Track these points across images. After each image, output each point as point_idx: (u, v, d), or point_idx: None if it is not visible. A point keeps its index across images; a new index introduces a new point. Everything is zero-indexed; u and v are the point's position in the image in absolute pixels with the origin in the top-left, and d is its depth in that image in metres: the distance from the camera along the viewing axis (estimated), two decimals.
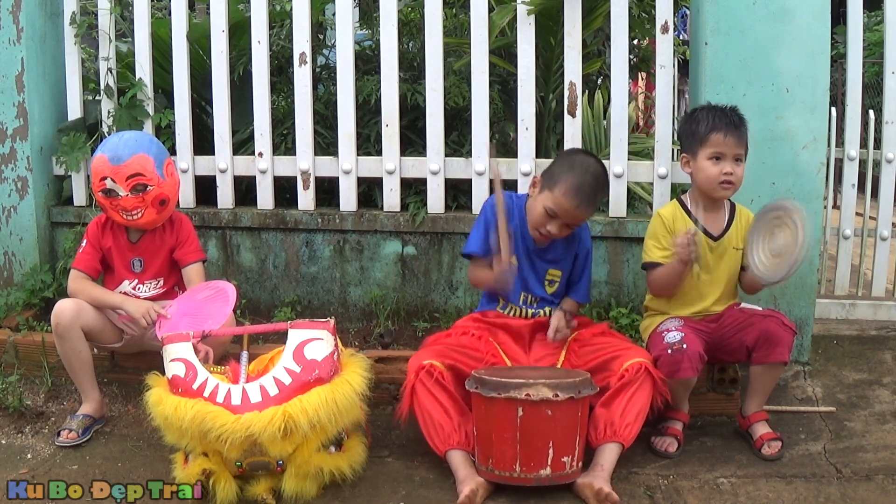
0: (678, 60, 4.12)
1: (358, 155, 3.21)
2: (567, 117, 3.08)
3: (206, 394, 2.19)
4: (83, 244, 2.73)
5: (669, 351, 2.41)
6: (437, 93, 3.11)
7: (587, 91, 3.72)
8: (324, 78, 3.63)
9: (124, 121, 3.23)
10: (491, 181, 2.80)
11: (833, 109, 3.11)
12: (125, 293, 2.70)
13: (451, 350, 2.47)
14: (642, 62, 3.88)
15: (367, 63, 3.49)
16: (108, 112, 3.28)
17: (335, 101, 3.21)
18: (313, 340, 2.25)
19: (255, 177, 3.27)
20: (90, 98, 3.50)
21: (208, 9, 3.26)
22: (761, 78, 2.80)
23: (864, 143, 3.37)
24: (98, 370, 2.74)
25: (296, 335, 2.26)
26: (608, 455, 2.33)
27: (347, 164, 3.18)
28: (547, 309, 2.62)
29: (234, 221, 3.25)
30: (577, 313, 2.69)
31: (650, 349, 2.51)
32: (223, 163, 3.26)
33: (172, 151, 3.24)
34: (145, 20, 3.24)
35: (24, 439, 2.66)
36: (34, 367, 2.91)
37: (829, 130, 3.04)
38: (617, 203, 3.08)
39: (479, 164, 3.11)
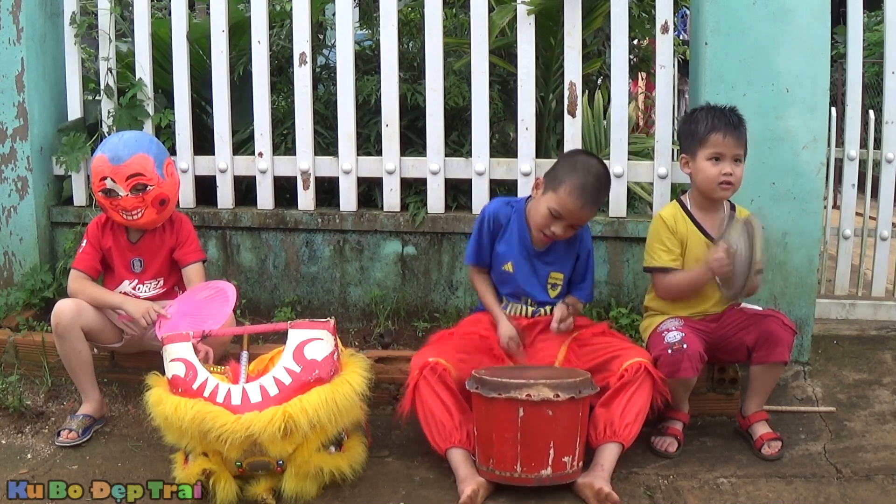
0: (678, 60, 4.12)
1: (358, 155, 3.21)
2: (567, 117, 3.08)
3: (206, 394, 2.19)
4: (83, 244, 2.73)
5: (669, 351, 2.41)
6: (437, 93, 3.11)
7: (587, 91, 3.72)
8: (324, 78, 3.63)
9: (124, 121, 3.23)
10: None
11: (833, 109, 3.11)
12: (125, 293, 2.70)
13: (454, 348, 2.48)
14: (642, 62, 3.88)
15: (367, 63, 3.49)
16: (108, 112, 3.28)
17: (335, 101, 3.21)
18: (313, 340, 2.25)
19: (255, 177, 3.27)
20: (90, 98, 3.50)
21: (208, 9, 3.26)
22: (761, 78, 2.80)
23: (864, 143, 3.37)
24: (98, 370, 2.74)
25: (296, 335, 2.26)
26: (608, 455, 2.33)
27: (347, 164, 3.18)
28: (548, 307, 2.62)
29: (234, 221, 3.25)
30: (579, 311, 2.69)
31: (650, 349, 2.51)
32: (223, 163, 3.26)
33: (172, 151, 3.24)
34: (145, 20, 3.24)
35: (24, 439, 2.66)
36: (34, 367, 2.91)
37: (829, 130, 3.04)
38: (617, 203, 3.08)
39: (479, 164, 3.11)
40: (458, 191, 3.26)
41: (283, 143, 3.38)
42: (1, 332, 3.00)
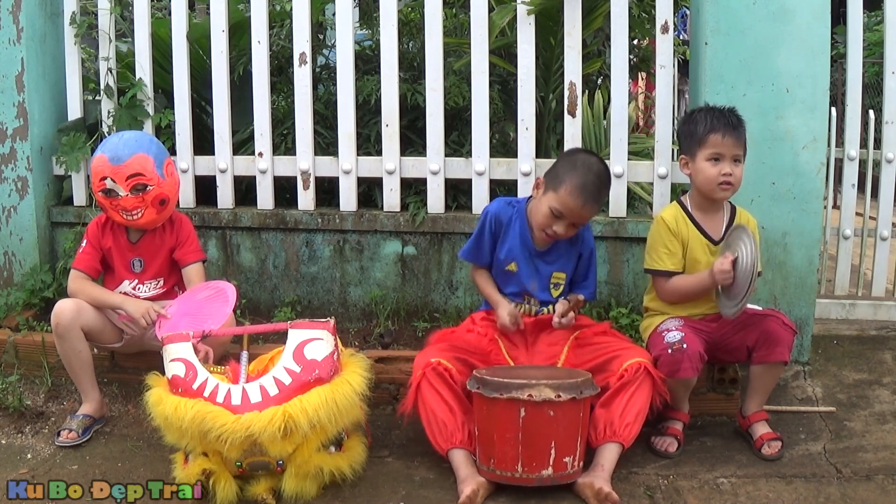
0: (678, 60, 4.12)
1: (358, 155, 3.21)
2: (567, 117, 3.08)
3: (206, 394, 2.18)
4: (83, 244, 2.73)
5: (669, 351, 2.41)
6: (437, 93, 3.11)
7: (587, 91, 3.72)
8: (324, 78, 3.63)
9: (124, 121, 3.23)
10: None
11: (833, 109, 3.11)
12: (125, 293, 2.70)
13: (457, 347, 2.48)
14: (642, 62, 3.88)
15: (367, 63, 3.49)
16: (108, 112, 3.28)
17: (335, 101, 3.21)
18: (313, 340, 2.25)
19: (255, 177, 3.27)
20: (90, 98, 3.50)
21: (208, 9, 3.26)
22: (761, 78, 2.80)
23: (864, 143, 3.37)
24: (98, 370, 2.74)
25: (296, 335, 2.26)
26: (608, 455, 2.33)
27: (347, 164, 3.18)
28: (550, 307, 2.62)
29: (234, 221, 3.25)
30: (580, 309, 2.69)
31: (650, 349, 2.51)
32: (223, 163, 3.26)
33: (172, 151, 3.24)
34: (145, 20, 3.24)
35: (24, 439, 2.66)
36: (34, 367, 2.91)
37: (829, 130, 3.04)
38: (617, 203, 3.08)
39: (479, 164, 3.11)
40: (458, 191, 3.26)
41: (283, 143, 3.38)
42: (1, 332, 3.00)
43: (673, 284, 2.58)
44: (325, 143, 3.34)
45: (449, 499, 2.27)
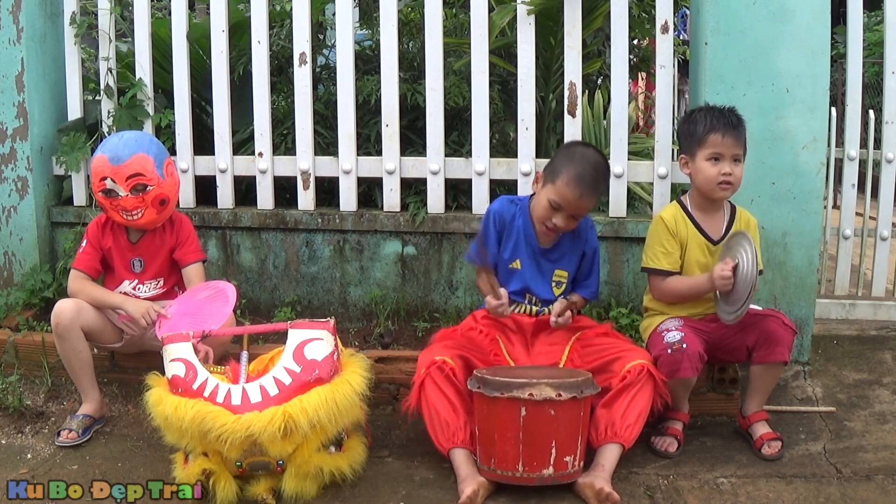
0: (678, 60, 4.12)
1: (358, 155, 3.21)
2: (567, 117, 3.08)
3: (206, 394, 2.19)
4: (83, 244, 2.73)
5: (669, 351, 2.41)
6: (437, 93, 3.11)
7: (587, 91, 3.72)
8: (324, 78, 3.63)
9: (124, 121, 3.23)
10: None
11: (833, 109, 3.11)
12: (125, 293, 2.70)
13: (460, 346, 2.48)
14: (642, 62, 3.88)
15: (367, 63, 3.49)
16: (108, 112, 3.28)
17: (335, 101, 3.21)
18: (313, 340, 2.25)
19: (255, 177, 3.27)
20: (90, 98, 3.50)
21: (208, 9, 3.26)
22: (761, 78, 2.80)
23: (864, 143, 3.37)
24: (98, 370, 2.74)
25: (296, 335, 2.26)
26: (609, 455, 2.33)
27: (347, 164, 3.18)
28: (551, 306, 2.62)
29: (234, 221, 3.25)
30: (579, 310, 2.69)
31: (650, 349, 2.51)
32: (223, 163, 3.26)
33: (172, 151, 3.24)
34: (145, 20, 3.24)
35: (24, 439, 2.66)
36: (34, 367, 2.91)
37: (829, 130, 3.04)
38: (617, 203, 3.08)
39: (479, 164, 3.11)
40: (458, 191, 3.26)
41: (283, 143, 3.38)
42: (1, 332, 3.00)
43: (670, 285, 2.58)
44: (325, 143, 3.34)
45: (449, 499, 2.27)
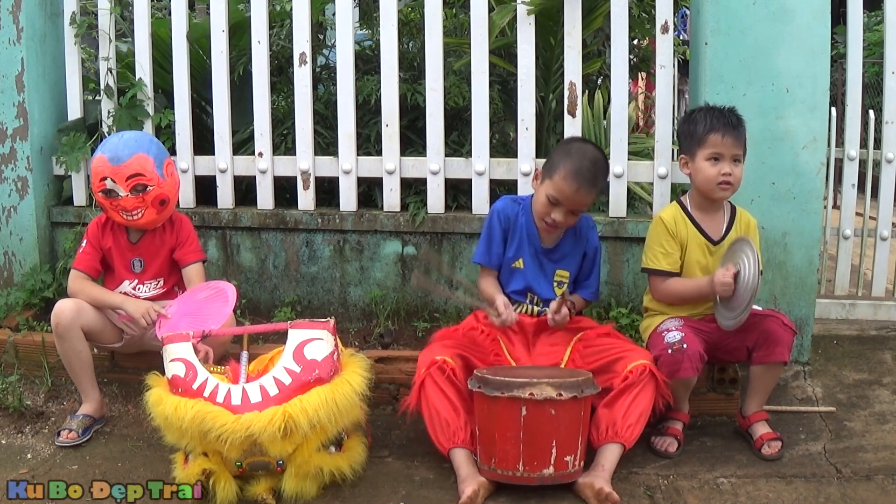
0: (678, 60, 4.12)
1: (358, 155, 3.21)
2: (567, 117, 3.08)
3: (206, 394, 2.18)
4: (83, 244, 2.73)
5: (670, 351, 2.41)
6: (437, 93, 3.11)
7: (587, 91, 3.72)
8: (324, 78, 3.63)
9: (124, 121, 3.23)
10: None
11: (833, 109, 3.11)
12: (125, 293, 2.70)
13: (461, 346, 2.48)
14: (642, 62, 3.88)
15: (367, 63, 3.49)
16: (108, 112, 3.29)
17: (335, 101, 3.21)
18: (313, 340, 2.25)
19: (255, 177, 3.27)
20: (90, 98, 3.50)
21: (208, 9, 3.26)
22: (761, 78, 2.80)
23: (864, 143, 3.37)
24: (98, 370, 2.74)
25: (296, 335, 2.26)
26: (609, 455, 2.33)
27: (347, 164, 3.18)
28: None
29: (234, 221, 3.25)
30: (580, 311, 2.69)
31: (650, 349, 2.51)
32: (223, 163, 3.26)
33: (172, 151, 3.24)
34: (145, 20, 3.24)
35: (24, 439, 2.66)
36: (34, 367, 2.91)
37: (829, 130, 3.04)
38: (617, 203, 3.08)
39: (479, 164, 3.11)
40: (458, 191, 3.26)
41: (283, 143, 3.38)
42: (1, 332, 3.00)
43: (670, 287, 2.58)
44: (325, 143, 3.34)
45: (449, 499, 2.27)
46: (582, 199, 2.49)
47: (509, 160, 3.13)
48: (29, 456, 2.55)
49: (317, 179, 3.25)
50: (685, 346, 2.41)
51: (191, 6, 3.62)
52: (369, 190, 3.30)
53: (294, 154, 3.23)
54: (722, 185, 2.51)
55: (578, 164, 2.47)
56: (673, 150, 3.10)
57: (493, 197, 3.00)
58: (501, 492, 2.27)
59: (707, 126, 2.51)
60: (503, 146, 3.43)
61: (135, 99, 3.24)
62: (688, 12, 3.49)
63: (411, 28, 3.55)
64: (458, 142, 3.26)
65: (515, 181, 3.12)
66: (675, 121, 3.53)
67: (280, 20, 3.57)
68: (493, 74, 3.25)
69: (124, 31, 3.41)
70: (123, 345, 2.75)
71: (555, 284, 2.63)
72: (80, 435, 2.60)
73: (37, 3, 3.21)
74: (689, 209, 2.62)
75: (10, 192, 3.25)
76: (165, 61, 3.37)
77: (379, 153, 3.21)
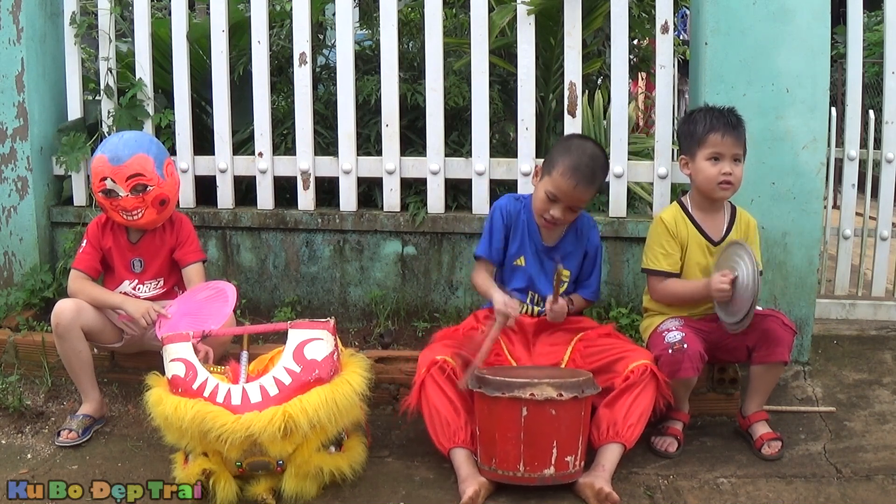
0: (678, 60, 4.12)
1: (358, 155, 3.21)
2: (567, 117, 3.08)
3: (206, 394, 2.18)
4: (83, 244, 2.73)
5: (670, 351, 2.41)
6: (437, 93, 3.11)
7: (587, 91, 3.72)
8: (324, 78, 3.63)
9: (124, 121, 3.23)
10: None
11: (833, 109, 3.11)
12: (125, 293, 2.70)
13: (461, 346, 2.48)
14: (642, 62, 3.88)
15: (367, 63, 3.49)
16: (108, 112, 3.28)
17: (335, 101, 3.21)
18: (313, 340, 2.25)
19: (255, 177, 3.27)
20: (90, 98, 3.50)
21: (208, 9, 3.26)
22: (761, 78, 2.80)
23: (864, 143, 3.37)
24: (98, 370, 2.74)
25: (296, 335, 2.26)
26: (610, 455, 2.33)
27: (347, 164, 3.18)
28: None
29: (234, 221, 3.25)
30: (579, 310, 2.69)
31: (650, 349, 2.51)
32: (223, 163, 3.26)
33: (172, 151, 3.24)
34: (145, 20, 3.24)
35: (24, 439, 2.66)
36: (34, 367, 2.91)
37: (829, 130, 3.04)
38: (617, 203, 3.08)
39: (479, 164, 3.11)
40: (458, 191, 3.26)
41: (283, 143, 3.38)
42: (1, 332, 3.00)
43: (668, 288, 2.58)
44: (325, 143, 3.34)
45: (449, 499, 2.27)
46: (580, 195, 2.49)
47: (509, 160, 3.13)
48: (29, 456, 2.55)
49: (317, 179, 3.25)
50: (685, 346, 2.41)
51: (191, 6, 3.62)
52: (369, 190, 3.30)
53: (294, 154, 3.23)
54: (722, 184, 2.51)
55: (577, 160, 2.47)
56: (673, 150, 3.10)
57: (493, 197, 3.00)
58: (502, 492, 2.27)
59: (707, 126, 2.51)
60: (503, 146, 3.43)
61: (135, 99, 3.24)
62: (688, 12, 3.49)
63: (411, 28, 3.55)
64: (458, 142, 3.26)
65: (515, 181, 3.12)
66: (675, 121, 3.53)
67: (280, 20, 3.57)
68: (493, 74, 3.25)
69: (124, 31, 3.42)
70: (123, 345, 2.75)
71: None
72: (80, 435, 2.60)
73: (37, 3, 3.21)
74: (690, 209, 2.62)
75: (10, 192, 3.25)
76: (165, 61, 3.37)
77: (379, 153, 3.21)
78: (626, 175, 3.07)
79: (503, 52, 3.43)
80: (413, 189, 3.23)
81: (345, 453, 2.32)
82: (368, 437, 2.48)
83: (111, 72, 3.27)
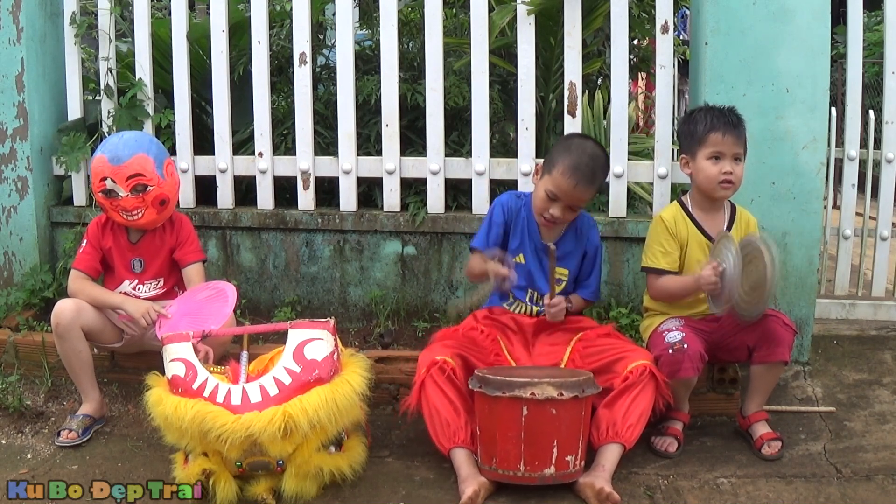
0: (678, 60, 4.12)
1: (358, 155, 3.21)
2: (567, 117, 3.08)
3: (206, 394, 2.18)
4: (83, 244, 2.73)
5: (670, 351, 2.41)
6: (437, 93, 3.11)
7: (587, 91, 3.72)
8: (324, 78, 3.63)
9: (124, 121, 3.23)
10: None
11: (833, 109, 3.11)
12: (125, 293, 2.70)
13: (460, 346, 2.48)
14: (642, 62, 3.88)
15: (367, 63, 3.49)
16: (108, 112, 3.29)
17: (335, 101, 3.21)
18: (313, 340, 2.25)
19: (255, 177, 3.27)
20: (90, 98, 3.50)
21: (208, 9, 3.26)
22: (761, 78, 2.80)
23: (864, 143, 3.37)
24: (98, 370, 2.74)
25: (296, 335, 2.26)
26: (610, 455, 2.33)
27: (347, 164, 3.18)
28: None
29: (234, 221, 3.25)
30: (579, 310, 2.69)
31: (651, 349, 2.51)
32: (223, 163, 3.26)
33: (172, 151, 3.24)
34: (145, 20, 3.24)
35: (24, 439, 2.66)
36: (34, 367, 2.91)
37: (829, 130, 3.04)
38: (617, 203, 3.08)
39: (479, 164, 3.11)
40: (458, 191, 3.26)
41: (283, 143, 3.38)
42: (1, 332, 3.00)
43: (662, 284, 2.58)
44: (325, 143, 3.34)
45: (449, 499, 2.27)
46: (580, 194, 2.49)
47: (509, 160, 3.13)
48: (29, 456, 2.55)
49: (317, 179, 3.25)
50: (686, 346, 2.41)
51: (191, 6, 3.63)
52: (369, 190, 3.30)
53: (294, 154, 3.23)
54: (723, 183, 2.51)
55: (577, 159, 2.47)
56: (673, 150, 3.10)
57: (493, 197, 3.00)
58: (502, 492, 2.27)
59: (707, 125, 2.52)
60: (503, 146, 3.43)
61: (135, 99, 3.24)
62: (688, 12, 3.49)
63: (411, 28, 3.55)
64: (458, 142, 3.26)
65: (515, 181, 3.12)
66: (675, 121, 3.53)
67: (280, 20, 3.58)
68: (493, 74, 3.25)
69: (124, 31, 3.42)
70: (123, 345, 2.75)
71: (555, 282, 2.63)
72: (80, 435, 2.60)
73: (37, 3, 3.21)
74: (690, 209, 2.62)
75: (10, 192, 3.25)
76: (165, 61, 3.37)
77: (379, 153, 3.21)
78: (626, 175, 3.07)
79: (503, 52, 3.44)
80: (413, 189, 3.23)
81: (345, 453, 2.32)
82: (368, 437, 2.48)
83: (111, 72, 3.27)
